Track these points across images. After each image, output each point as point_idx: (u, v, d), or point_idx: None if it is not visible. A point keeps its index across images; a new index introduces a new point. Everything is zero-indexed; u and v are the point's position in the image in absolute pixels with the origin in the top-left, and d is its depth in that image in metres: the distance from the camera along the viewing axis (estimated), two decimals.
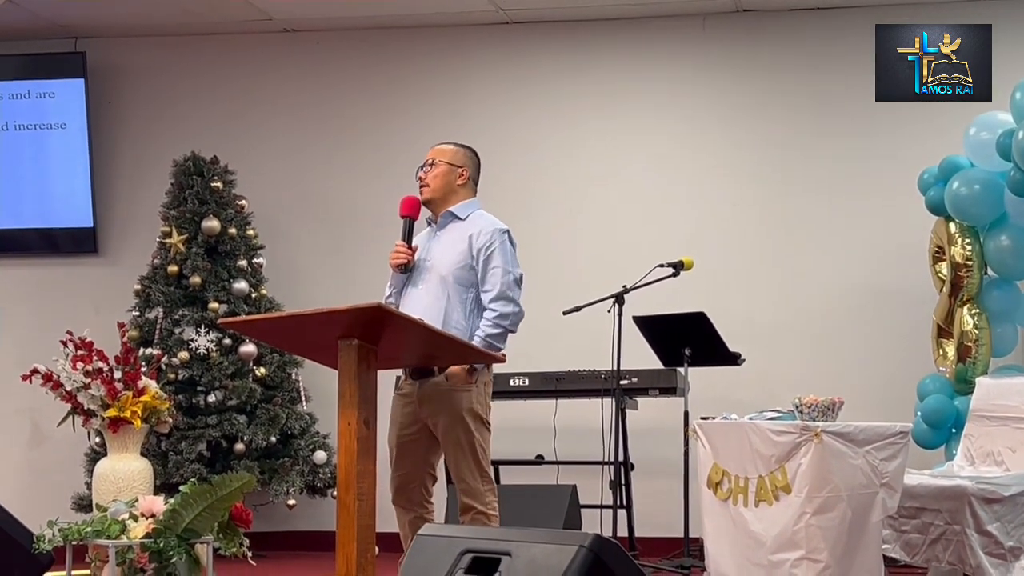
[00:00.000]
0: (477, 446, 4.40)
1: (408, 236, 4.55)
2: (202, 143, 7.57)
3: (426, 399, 4.42)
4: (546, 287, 7.42)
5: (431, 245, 4.59)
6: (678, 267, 6.15)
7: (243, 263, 7.34)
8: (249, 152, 7.85)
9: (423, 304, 4.44)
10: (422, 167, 4.63)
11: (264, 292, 7.41)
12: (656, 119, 7.74)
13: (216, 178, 7.40)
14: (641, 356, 6.42)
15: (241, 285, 7.27)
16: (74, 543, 4.68)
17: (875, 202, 7.35)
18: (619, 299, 6.07)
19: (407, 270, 4.53)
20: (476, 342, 4.34)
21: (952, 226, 6.60)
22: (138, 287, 7.36)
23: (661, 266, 6.14)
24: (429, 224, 4.68)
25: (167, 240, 7.33)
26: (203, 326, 7.11)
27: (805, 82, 7.51)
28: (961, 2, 7.11)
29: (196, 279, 7.20)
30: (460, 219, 4.58)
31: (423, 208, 4.63)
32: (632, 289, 6.11)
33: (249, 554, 4.73)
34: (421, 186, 4.61)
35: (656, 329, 6.38)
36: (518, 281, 4.52)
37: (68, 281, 8.01)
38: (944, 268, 6.67)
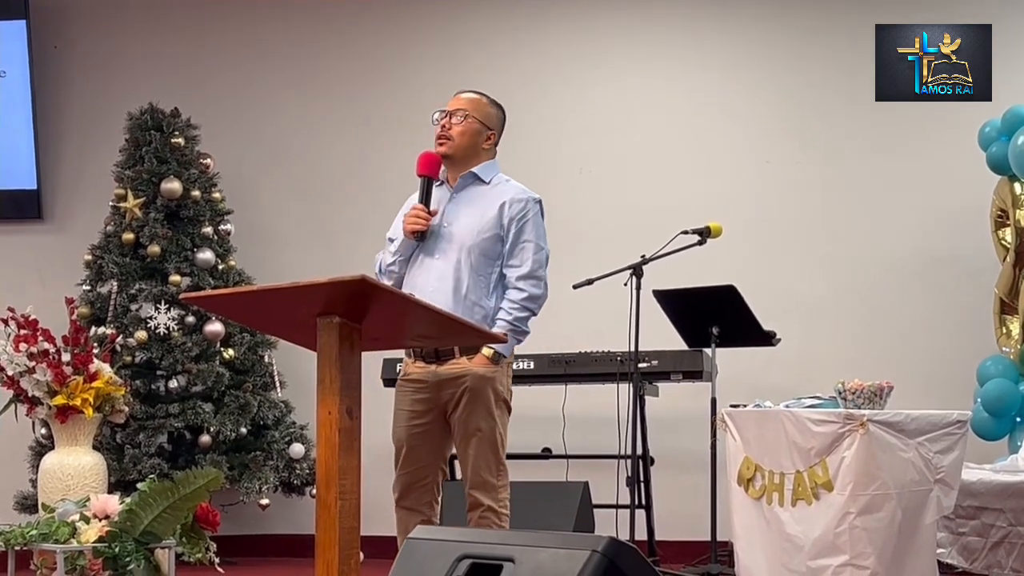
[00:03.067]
0: (498, 435, 4.40)
1: (427, 198, 4.43)
2: (161, 94, 7.54)
3: (448, 382, 4.40)
4: (553, 258, 7.40)
5: (449, 209, 4.47)
6: (704, 234, 6.13)
7: (208, 230, 7.33)
8: (215, 104, 7.83)
9: (437, 274, 4.41)
10: (444, 113, 4.47)
11: (232, 263, 7.41)
12: (676, 64, 7.71)
13: (177, 133, 7.38)
14: (662, 336, 6.41)
15: (206, 255, 7.26)
16: (17, 548, 4.68)
17: (930, 160, 7.32)
18: (637, 271, 6.06)
19: (423, 237, 4.43)
20: (500, 325, 4.35)
21: (1017, 187, 6.59)
22: (89, 257, 7.35)
23: (685, 233, 6.12)
24: (441, 183, 4.54)
25: (121, 204, 7.31)
26: (163, 302, 7.10)
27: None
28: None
29: (155, 248, 7.18)
30: (484, 182, 4.50)
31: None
32: (652, 259, 6.09)
33: (216, 560, 4.74)
34: (441, 136, 4.45)
35: (679, 305, 6.38)
36: (547, 260, 4.52)
37: (8, 251, 7.99)
38: (1008, 234, 6.66)
